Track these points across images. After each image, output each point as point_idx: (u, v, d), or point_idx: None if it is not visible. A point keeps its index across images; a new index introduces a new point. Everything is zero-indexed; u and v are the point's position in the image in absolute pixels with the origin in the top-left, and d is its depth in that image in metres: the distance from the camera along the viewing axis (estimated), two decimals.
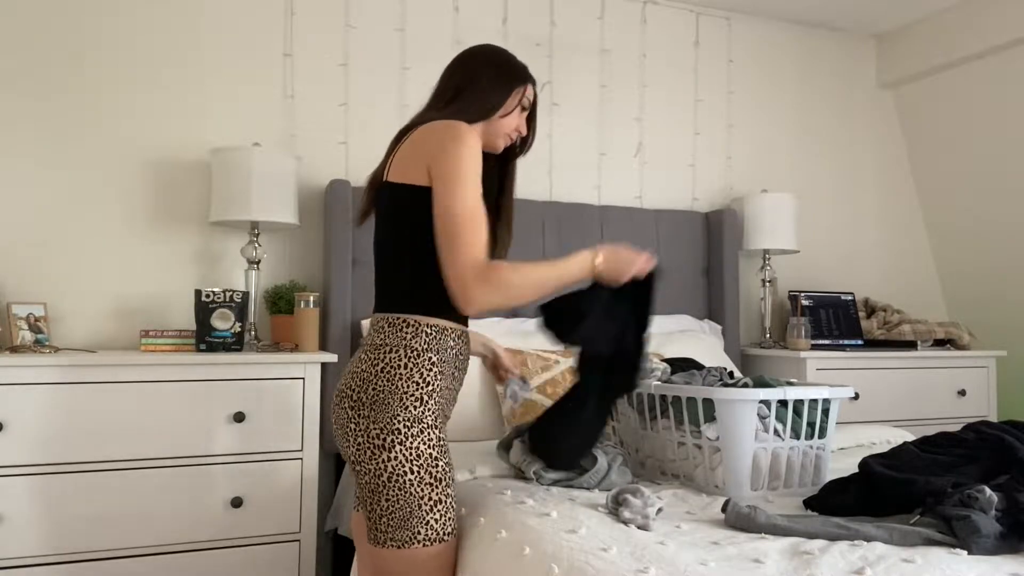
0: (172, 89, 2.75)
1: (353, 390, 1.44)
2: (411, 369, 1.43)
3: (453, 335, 1.50)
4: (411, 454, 1.39)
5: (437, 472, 1.42)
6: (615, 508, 1.46)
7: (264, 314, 2.76)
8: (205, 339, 2.36)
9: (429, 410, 1.44)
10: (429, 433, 1.43)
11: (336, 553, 2.77)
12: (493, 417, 2.54)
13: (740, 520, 1.36)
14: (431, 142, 1.43)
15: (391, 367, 1.42)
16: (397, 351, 1.43)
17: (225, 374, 2.30)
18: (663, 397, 1.80)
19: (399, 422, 1.40)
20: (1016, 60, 3.34)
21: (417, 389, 1.42)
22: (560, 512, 1.45)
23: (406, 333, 1.44)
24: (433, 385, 1.45)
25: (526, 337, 2.76)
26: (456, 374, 1.53)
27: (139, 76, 2.71)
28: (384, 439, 1.39)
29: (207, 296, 2.37)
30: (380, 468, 1.39)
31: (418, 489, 1.39)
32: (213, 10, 2.81)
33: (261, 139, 2.82)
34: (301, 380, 2.38)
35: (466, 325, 1.55)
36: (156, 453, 2.22)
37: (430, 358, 1.45)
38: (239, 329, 2.40)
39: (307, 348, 2.49)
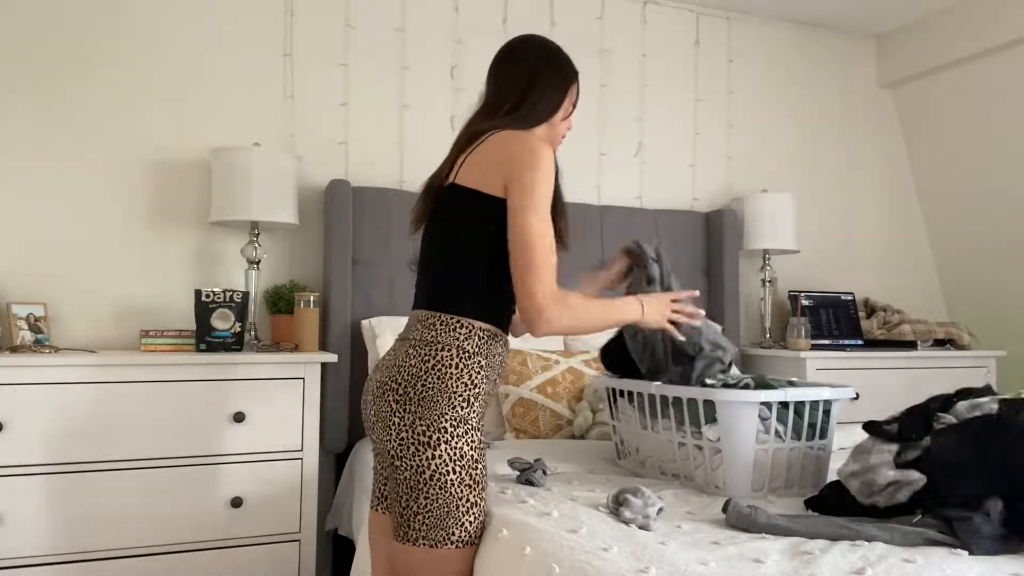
0: (172, 89, 2.75)
1: (400, 384, 1.42)
2: (461, 370, 1.43)
3: (501, 342, 1.51)
4: (455, 454, 1.39)
5: (476, 474, 1.42)
6: (616, 508, 1.46)
7: (264, 314, 2.76)
8: (205, 339, 2.36)
9: (474, 411, 1.44)
10: (473, 435, 1.43)
11: (336, 553, 2.77)
12: (493, 416, 2.54)
13: (741, 520, 1.36)
14: (508, 157, 1.43)
15: (442, 365, 1.42)
16: (449, 350, 1.43)
17: (225, 374, 2.30)
18: (663, 397, 1.80)
19: (446, 421, 1.39)
20: (1016, 60, 3.34)
21: (465, 390, 1.43)
22: (561, 512, 1.45)
23: (459, 334, 1.44)
24: (479, 388, 1.45)
25: (527, 336, 2.76)
26: (497, 380, 1.54)
27: (139, 76, 2.71)
28: (430, 436, 1.38)
29: (207, 296, 2.37)
30: (423, 465, 1.38)
31: (458, 490, 1.39)
32: (213, 10, 2.81)
33: (261, 139, 2.82)
34: (301, 380, 2.38)
35: (507, 332, 1.55)
36: (156, 453, 2.22)
37: (479, 361, 1.45)
38: (239, 329, 2.40)
39: (307, 348, 2.49)
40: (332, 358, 2.47)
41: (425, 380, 1.41)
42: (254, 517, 2.31)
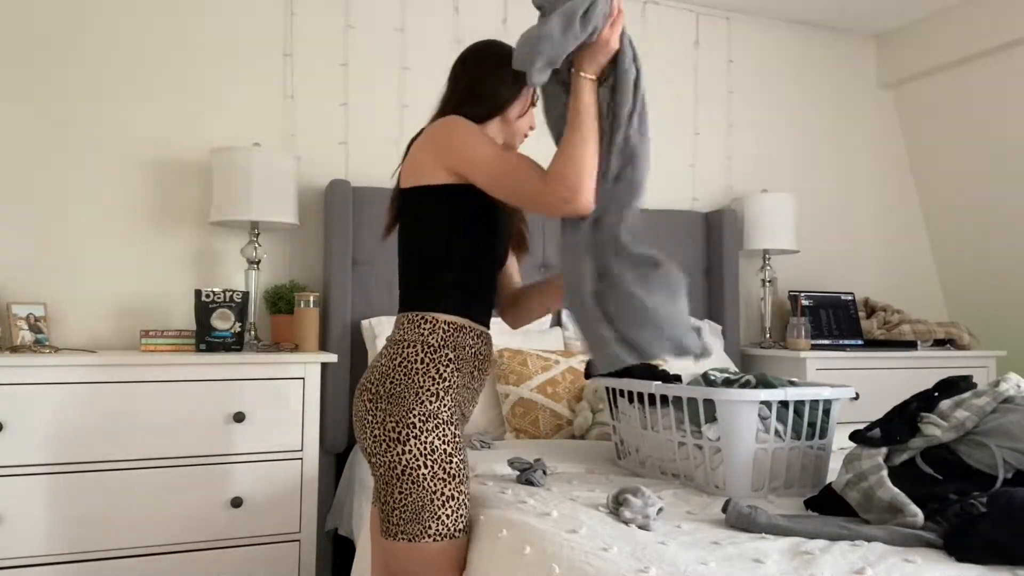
0: (172, 89, 2.75)
1: (372, 383, 1.46)
2: (427, 364, 1.45)
3: (472, 334, 1.51)
4: (425, 448, 1.41)
5: (451, 468, 1.43)
6: (616, 508, 1.46)
7: (264, 314, 2.76)
8: (205, 339, 2.36)
9: (445, 406, 1.45)
10: (444, 429, 1.44)
11: (336, 553, 2.77)
12: (493, 416, 2.54)
13: (741, 520, 1.36)
14: (434, 144, 1.47)
15: (408, 361, 1.45)
16: (414, 346, 1.46)
17: (225, 374, 2.30)
18: (663, 397, 1.80)
19: (414, 416, 1.42)
20: (1016, 60, 3.34)
21: (433, 384, 1.44)
22: (561, 512, 1.45)
23: (423, 329, 1.47)
24: (450, 381, 1.46)
25: (528, 336, 2.76)
26: (476, 373, 1.54)
27: (139, 76, 2.71)
28: (399, 432, 1.41)
29: (207, 296, 2.37)
30: (394, 461, 1.41)
31: (431, 484, 1.40)
32: (213, 10, 2.81)
33: (261, 139, 2.82)
34: (301, 380, 2.38)
35: (487, 326, 1.56)
36: (156, 453, 2.22)
37: (447, 354, 1.47)
38: (239, 329, 2.40)
39: (307, 348, 2.49)
40: (332, 358, 2.47)
41: (393, 377, 1.44)
42: (254, 517, 2.31)
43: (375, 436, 1.42)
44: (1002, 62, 3.40)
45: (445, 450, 1.43)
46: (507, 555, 1.35)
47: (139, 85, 2.71)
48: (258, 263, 2.63)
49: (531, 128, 1.66)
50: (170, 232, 2.73)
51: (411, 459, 1.40)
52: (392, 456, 1.41)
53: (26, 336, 2.36)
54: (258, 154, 2.55)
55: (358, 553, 2.04)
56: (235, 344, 2.38)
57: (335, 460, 2.79)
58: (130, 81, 2.70)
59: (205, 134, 2.78)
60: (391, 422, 1.41)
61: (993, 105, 3.47)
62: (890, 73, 3.86)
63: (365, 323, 2.71)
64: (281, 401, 2.35)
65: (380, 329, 2.65)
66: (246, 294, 2.46)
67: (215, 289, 2.39)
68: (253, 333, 2.60)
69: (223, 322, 2.38)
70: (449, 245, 1.49)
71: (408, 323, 1.48)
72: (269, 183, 2.54)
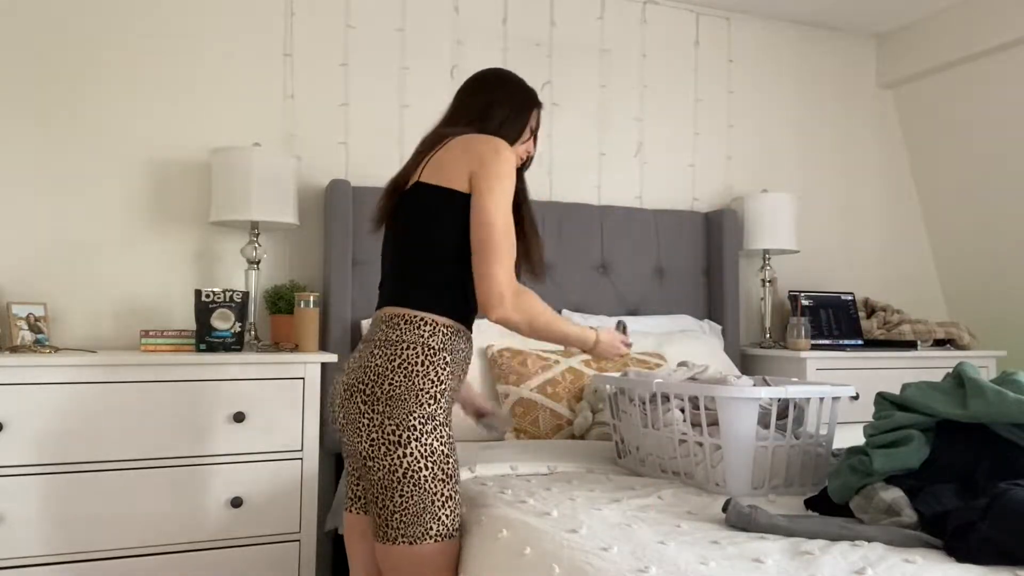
0: (172, 89, 2.75)
1: (367, 384, 1.44)
2: (427, 367, 1.44)
3: (464, 337, 1.53)
4: (426, 450, 1.41)
5: (448, 469, 1.44)
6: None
7: (264, 314, 2.76)
8: (205, 339, 2.35)
9: (441, 408, 1.46)
10: (441, 431, 1.45)
11: (336, 553, 2.76)
12: None
13: (741, 520, 1.36)
14: (476, 152, 1.48)
15: (408, 363, 1.44)
16: (415, 348, 1.45)
17: (225, 374, 2.29)
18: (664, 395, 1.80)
19: (415, 419, 1.41)
20: (1016, 60, 3.34)
21: (432, 387, 1.44)
22: (561, 511, 1.45)
23: (424, 331, 1.46)
24: (446, 384, 1.47)
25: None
26: (461, 376, 1.56)
27: (139, 76, 2.71)
28: (400, 435, 1.40)
29: (207, 296, 2.37)
30: (395, 464, 1.40)
31: (432, 485, 1.41)
32: (213, 10, 2.81)
33: (261, 139, 2.82)
34: (301, 380, 2.38)
35: (471, 329, 1.57)
36: (156, 453, 2.21)
37: (444, 357, 1.47)
38: (239, 329, 2.39)
39: (307, 348, 2.49)
40: (332, 358, 2.46)
41: (391, 379, 1.43)
42: (254, 517, 2.30)
43: (372, 439, 1.41)
44: (1002, 62, 3.39)
45: (443, 451, 1.43)
46: (507, 555, 1.35)
47: (139, 85, 2.71)
48: (258, 263, 2.62)
49: (528, 153, 1.69)
50: (170, 232, 2.73)
51: (412, 462, 1.40)
52: (393, 459, 1.40)
53: (26, 336, 2.36)
54: (258, 154, 2.55)
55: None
56: (235, 344, 2.38)
57: (335, 460, 2.79)
58: (130, 81, 2.70)
59: (205, 134, 2.78)
60: (390, 425, 1.41)
61: (993, 105, 3.47)
62: (890, 73, 3.86)
63: (365, 323, 2.71)
64: (281, 401, 2.35)
65: None
66: (246, 294, 2.46)
67: (215, 289, 2.39)
68: (253, 333, 2.60)
69: (223, 322, 2.38)
70: (460, 250, 1.48)
71: (406, 323, 1.47)
72: (269, 183, 2.54)
